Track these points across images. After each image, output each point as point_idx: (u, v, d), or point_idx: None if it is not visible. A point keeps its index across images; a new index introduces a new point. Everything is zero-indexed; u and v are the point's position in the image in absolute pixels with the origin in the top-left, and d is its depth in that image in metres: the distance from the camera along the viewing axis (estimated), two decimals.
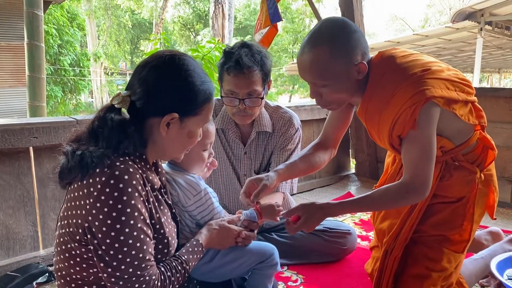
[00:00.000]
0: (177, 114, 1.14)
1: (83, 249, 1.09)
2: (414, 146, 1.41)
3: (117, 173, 1.04)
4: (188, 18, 25.98)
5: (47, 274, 1.87)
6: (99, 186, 1.03)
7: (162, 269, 1.16)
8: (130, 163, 1.09)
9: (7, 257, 1.96)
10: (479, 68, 8.83)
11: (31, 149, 1.99)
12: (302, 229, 1.45)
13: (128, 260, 1.05)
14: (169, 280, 1.15)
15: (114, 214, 1.03)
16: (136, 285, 1.06)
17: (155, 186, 1.20)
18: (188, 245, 1.30)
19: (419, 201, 1.48)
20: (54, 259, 1.19)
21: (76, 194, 1.08)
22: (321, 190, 3.43)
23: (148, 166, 1.19)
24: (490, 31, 8.48)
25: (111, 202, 1.03)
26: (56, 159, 1.14)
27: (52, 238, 2.08)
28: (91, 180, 1.05)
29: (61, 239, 1.13)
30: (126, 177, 1.05)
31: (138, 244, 1.06)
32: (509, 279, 1.62)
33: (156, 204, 1.18)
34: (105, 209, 1.03)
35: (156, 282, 1.10)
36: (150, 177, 1.18)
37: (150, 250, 1.10)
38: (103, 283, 1.11)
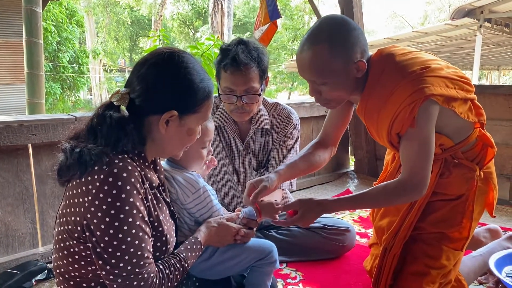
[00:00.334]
0: (176, 111, 1.13)
1: (81, 247, 1.09)
2: (413, 144, 1.41)
3: (115, 170, 1.04)
4: (187, 15, 25.95)
5: (46, 271, 1.87)
6: (97, 184, 1.03)
7: (161, 266, 1.16)
8: (128, 160, 1.08)
9: (6, 254, 1.96)
10: (478, 65, 8.83)
11: (29, 146, 1.99)
12: (298, 224, 1.45)
13: (126, 257, 1.05)
14: (168, 277, 1.16)
15: (112, 211, 1.03)
16: (135, 283, 1.06)
17: (154, 184, 1.20)
18: (187, 242, 1.30)
19: (417, 199, 1.48)
20: (53, 256, 1.19)
21: (74, 191, 1.08)
22: (320, 187, 3.43)
23: (146, 163, 1.19)
24: (490, 28, 8.47)
25: (109, 199, 1.03)
26: (55, 156, 1.14)
27: (51, 235, 2.08)
28: (89, 178, 1.05)
29: (60, 237, 1.13)
30: (124, 174, 1.05)
31: (136, 242, 1.06)
32: (507, 276, 1.62)
33: (155, 201, 1.18)
34: (104, 207, 1.03)
35: (154, 279, 1.10)
36: (149, 175, 1.18)
37: (148, 247, 1.10)
38: (101, 280, 1.11)
